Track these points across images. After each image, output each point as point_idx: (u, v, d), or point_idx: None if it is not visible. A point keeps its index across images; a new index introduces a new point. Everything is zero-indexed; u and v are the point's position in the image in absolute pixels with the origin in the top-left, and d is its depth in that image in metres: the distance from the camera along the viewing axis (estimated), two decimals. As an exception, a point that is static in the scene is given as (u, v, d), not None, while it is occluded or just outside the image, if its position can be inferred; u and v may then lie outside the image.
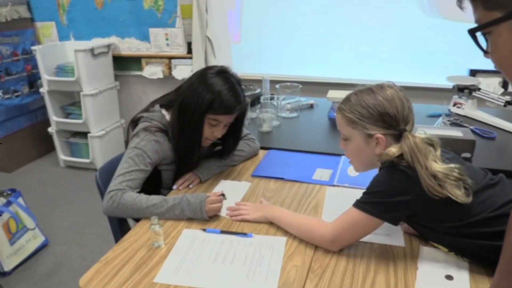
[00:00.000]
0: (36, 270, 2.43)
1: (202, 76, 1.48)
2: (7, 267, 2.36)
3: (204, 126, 1.48)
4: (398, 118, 1.12)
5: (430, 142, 1.10)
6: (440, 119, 2.13)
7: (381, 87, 1.16)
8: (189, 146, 1.51)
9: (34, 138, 3.87)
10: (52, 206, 3.11)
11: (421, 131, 1.15)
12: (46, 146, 3.92)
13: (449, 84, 2.36)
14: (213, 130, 1.51)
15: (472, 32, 0.73)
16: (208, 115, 1.46)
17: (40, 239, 2.59)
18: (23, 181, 3.50)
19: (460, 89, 2.29)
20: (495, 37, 0.71)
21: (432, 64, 3.02)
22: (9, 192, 2.50)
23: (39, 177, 3.60)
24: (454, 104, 2.32)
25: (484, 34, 0.73)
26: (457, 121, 2.15)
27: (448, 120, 2.14)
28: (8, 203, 2.42)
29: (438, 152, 1.09)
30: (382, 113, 1.12)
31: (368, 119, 1.14)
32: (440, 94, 2.91)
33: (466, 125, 2.09)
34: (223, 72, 1.50)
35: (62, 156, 3.73)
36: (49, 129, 3.67)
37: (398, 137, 1.12)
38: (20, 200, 2.52)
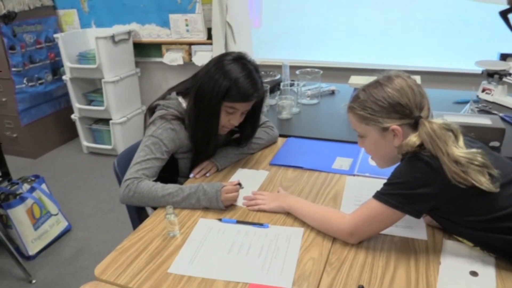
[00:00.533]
0: (59, 254, 2.48)
1: (218, 62, 1.44)
2: (31, 251, 2.42)
3: (221, 114, 1.45)
4: (411, 106, 1.08)
5: (448, 128, 1.05)
6: (468, 106, 2.05)
7: (388, 78, 1.12)
8: (205, 134, 1.49)
9: (58, 125, 3.93)
10: (75, 192, 3.17)
11: (440, 118, 1.09)
12: (69, 133, 3.98)
13: (478, 69, 2.26)
14: (230, 118, 1.48)
15: (504, 14, 0.68)
16: (224, 102, 1.42)
17: (63, 224, 2.64)
18: (48, 167, 3.57)
19: (490, 74, 2.18)
20: None
21: (460, 48, 2.90)
22: (32, 178, 2.54)
23: (63, 163, 3.66)
24: (483, 90, 2.22)
25: None
26: (485, 108, 2.06)
27: (476, 107, 2.05)
28: (32, 189, 2.47)
29: (461, 140, 1.04)
30: (392, 104, 1.08)
31: (380, 113, 1.10)
32: (468, 79, 2.80)
33: (496, 112, 2.00)
34: (240, 59, 1.46)
35: (85, 142, 3.79)
36: (72, 116, 3.71)
37: (415, 126, 1.08)
38: (44, 186, 2.56)
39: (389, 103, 1.08)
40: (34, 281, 2.26)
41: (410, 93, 1.08)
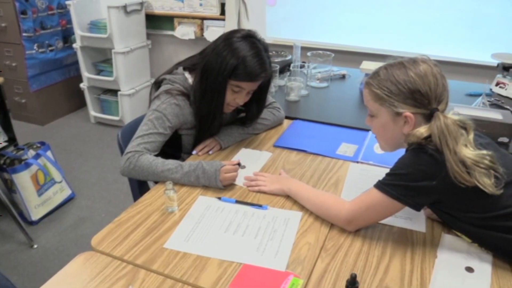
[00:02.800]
0: (61, 221, 2.51)
1: (227, 39, 1.41)
2: (34, 217, 2.45)
3: (226, 92, 1.43)
4: (430, 96, 1.03)
5: (463, 125, 1.01)
6: (480, 99, 2.00)
7: (413, 61, 1.07)
8: (210, 111, 1.47)
9: (66, 93, 3.93)
10: (80, 161, 3.19)
11: (455, 112, 1.06)
12: (78, 102, 3.98)
13: (494, 62, 2.20)
14: (235, 96, 1.45)
15: None
16: (231, 81, 1.40)
17: (67, 192, 2.67)
18: (54, 135, 3.59)
19: (505, 68, 2.13)
20: None
21: (477, 38, 2.82)
22: (38, 145, 2.56)
23: (70, 131, 3.68)
24: (497, 84, 2.17)
25: None
26: (498, 102, 2.01)
27: (488, 101, 2.01)
28: (37, 156, 2.48)
29: (471, 136, 1.00)
30: (412, 90, 1.04)
31: (397, 96, 1.06)
32: (482, 71, 2.74)
33: (508, 107, 1.95)
34: (250, 37, 1.42)
35: (93, 112, 3.79)
36: (81, 85, 3.70)
37: (429, 117, 1.04)
38: (49, 153, 2.58)
39: (409, 88, 1.04)
40: (35, 246, 2.30)
41: (433, 83, 1.03)
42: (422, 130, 1.02)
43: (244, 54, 1.37)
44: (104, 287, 0.97)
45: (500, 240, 1.00)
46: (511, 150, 1.54)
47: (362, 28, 3.10)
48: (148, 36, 3.74)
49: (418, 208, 1.05)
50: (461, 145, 0.97)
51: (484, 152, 0.97)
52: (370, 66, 2.22)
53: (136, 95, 3.65)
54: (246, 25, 3.33)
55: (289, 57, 2.51)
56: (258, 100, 1.59)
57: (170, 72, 1.56)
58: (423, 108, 1.05)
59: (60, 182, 2.60)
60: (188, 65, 1.54)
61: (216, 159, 1.52)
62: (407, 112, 1.05)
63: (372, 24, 3.07)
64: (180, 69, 1.54)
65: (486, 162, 0.96)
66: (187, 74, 1.52)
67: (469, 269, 1.01)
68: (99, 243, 1.11)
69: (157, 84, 1.55)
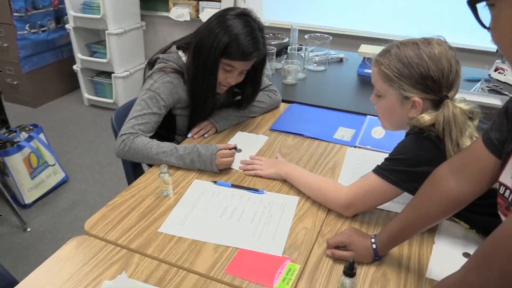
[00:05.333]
0: (55, 204, 2.49)
1: (221, 16, 1.37)
2: (27, 200, 2.43)
3: (218, 71, 1.40)
4: (442, 83, 0.99)
5: (470, 115, 0.98)
6: (479, 84, 1.99)
7: (428, 42, 1.02)
8: (202, 90, 1.43)
9: (59, 75, 3.86)
10: (74, 144, 3.15)
11: (461, 99, 1.02)
12: (71, 84, 3.92)
13: (493, 47, 2.18)
14: (227, 76, 1.42)
15: (472, 4, 0.65)
16: (222, 59, 1.36)
17: (61, 175, 2.64)
18: (47, 117, 3.54)
19: (505, 53, 2.10)
20: (497, 12, 0.63)
21: (476, 23, 2.78)
22: (31, 127, 2.52)
23: (63, 114, 3.63)
24: (496, 70, 2.15)
25: (489, 6, 0.64)
26: (496, 88, 1.99)
27: (487, 86, 1.99)
28: (30, 138, 2.45)
29: (476, 122, 0.98)
30: (424, 75, 0.99)
31: (407, 80, 1.01)
32: (481, 57, 2.71)
33: (506, 93, 1.94)
34: (244, 15, 1.38)
35: (87, 94, 3.73)
36: (74, 67, 3.64)
37: (437, 103, 1.00)
38: (42, 136, 2.54)
39: (421, 73, 0.99)
40: (28, 229, 2.28)
41: (446, 69, 0.99)
42: (427, 118, 0.99)
43: (237, 32, 1.33)
44: (98, 272, 0.95)
45: (497, 226, 0.98)
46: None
47: (361, 12, 3.06)
48: (143, 17, 3.67)
49: (416, 194, 1.03)
50: (466, 137, 0.95)
51: None
52: (368, 50, 2.19)
53: (130, 77, 3.59)
54: (242, 7, 3.27)
55: (286, 40, 2.47)
56: (253, 82, 1.56)
57: (164, 51, 1.52)
58: (433, 94, 1.01)
59: (53, 165, 2.57)
60: (182, 43, 1.50)
61: (212, 142, 1.50)
62: (416, 97, 1.01)
63: (371, 8, 3.02)
64: (174, 47, 1.50)
65: None
66: (180, 53, 1.48)
67: (467, 255, 1.00)
68: (92, 227, 1.09)
69: (151, 64, 1.51)
